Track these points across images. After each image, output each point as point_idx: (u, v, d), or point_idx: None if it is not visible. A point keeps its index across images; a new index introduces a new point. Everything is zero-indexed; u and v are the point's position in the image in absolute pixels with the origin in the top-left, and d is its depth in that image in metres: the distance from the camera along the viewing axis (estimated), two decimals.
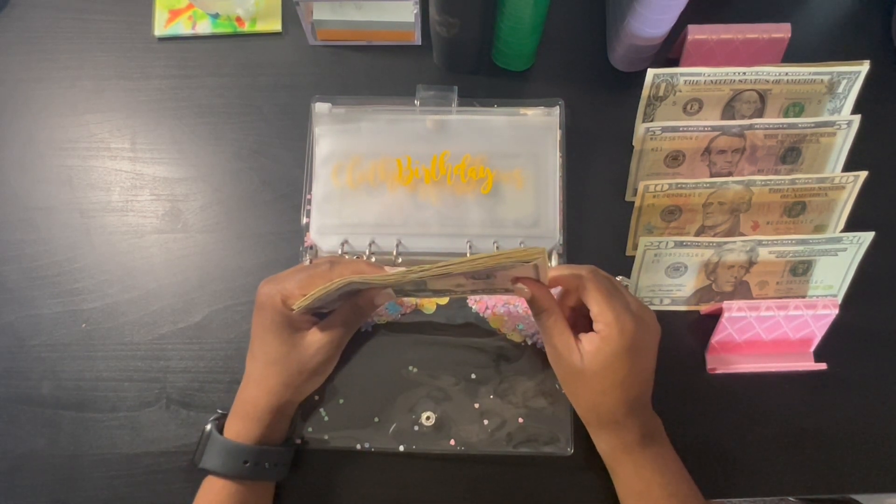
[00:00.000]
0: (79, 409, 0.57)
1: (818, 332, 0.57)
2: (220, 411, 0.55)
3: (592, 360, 0.48)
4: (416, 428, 0.56)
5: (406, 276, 0.45)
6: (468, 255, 0.57)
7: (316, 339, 0.52)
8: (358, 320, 0.55)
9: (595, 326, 0.48)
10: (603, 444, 0.51)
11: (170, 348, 0.58)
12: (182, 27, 0.64)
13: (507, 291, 0.51)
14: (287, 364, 0.51)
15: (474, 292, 0.55)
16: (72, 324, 0.59)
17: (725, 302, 0.56)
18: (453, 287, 0.53)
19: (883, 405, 0.58)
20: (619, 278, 0.51)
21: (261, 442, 0.51)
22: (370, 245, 0.58)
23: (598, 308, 0.48)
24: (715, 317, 0.57)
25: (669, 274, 0.58)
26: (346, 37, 0.64)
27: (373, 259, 0.58)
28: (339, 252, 0.58)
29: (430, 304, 0.58)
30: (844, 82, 0.58)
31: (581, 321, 0.51)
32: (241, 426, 0.51)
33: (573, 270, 0.49)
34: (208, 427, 0.52)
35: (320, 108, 0.60)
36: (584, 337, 0.49)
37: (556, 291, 0.52)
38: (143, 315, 0.59)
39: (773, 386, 0.58)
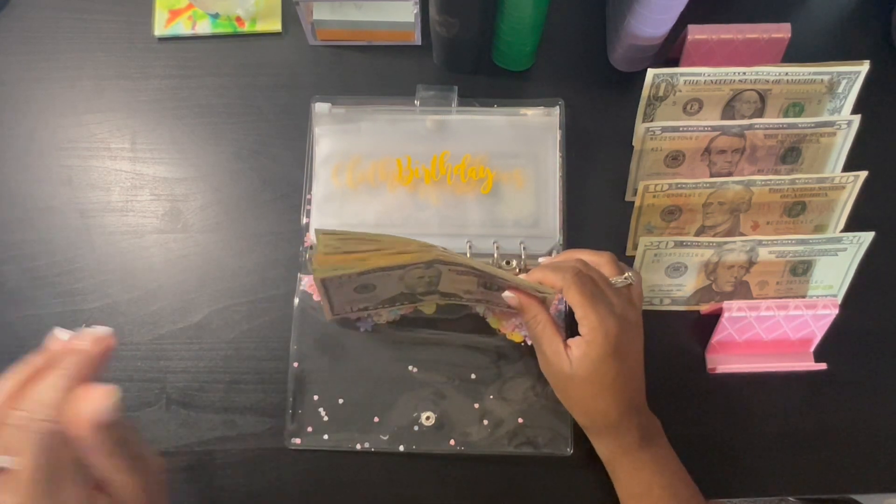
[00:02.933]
0: None
1: (818, 332, 0.57)
2: None
3: (580, 365, 0.48)
4: (416, 428, 0.56)
5: (432, 253, 0.46)
6: (468, 255, 0.57)
7: None
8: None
9: (580, 330, 0.48)
10: (602, 448, 0.51)
11: (170, 348, 0.58)
12: (182, 27, 0.64)
13: (507, 308, 0.52)
14: None
15: (478, 302, 0.56)
16: (72, 324, 0.59)
17: (725, 302, 0.56)
18: (461, 292, 0.53)
19: (883, 405, 0.58)
20: (628, 273, 0.50)
21: None
22: None
23: (581, 312, 0.47)
24: (715, 317, 0.57)
25: (669, 274, 0.58)
26: (346, 37, 0.64)
27: None
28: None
29: (429, 304, 0.58)
30: (844, 82, 0.58)
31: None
32: None
33: (556, 273, 0.49)
34: None
35: (320, 108, 0.60)
36: (572, 342, 0.48)
37: None
38: (143, 315, 0.59)
39: (773, 386, 0.58)
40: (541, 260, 0.56)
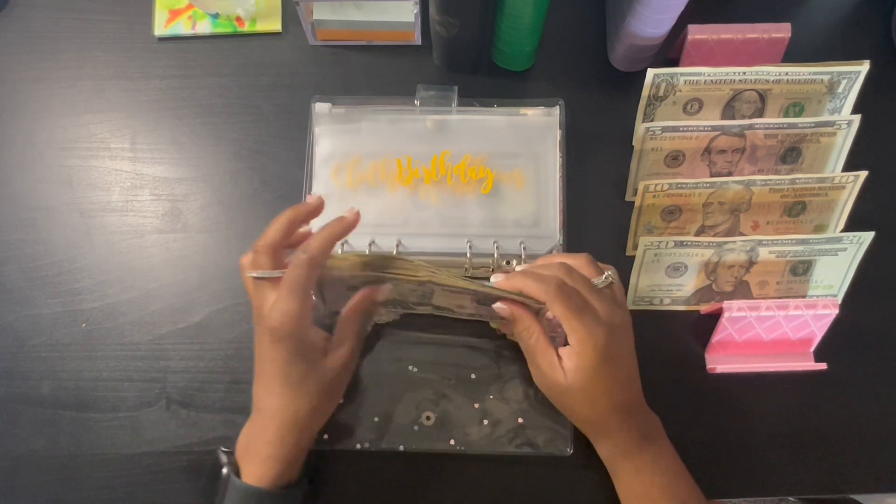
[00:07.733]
0: (79, 409, 0.57)
1: (818, 332, 0.57)
2: (224, 449, 0.51)
3: (573, 376, 0.48)
4: (416, 428, 0.56)
5: (420, 271, 0.46)
6: (468, 255, 0.57)
7: (337, 356, 0.49)
8: (364, 326, 0.53)
9: (569, 341, 0.48)
10: (602, 450, 0.51)
11: (170, 348, 0.58)
12: (182, 27, 0.64)
13: (501, 321, 0.52)
14: (310, 388, 0.48)
15: (471, 316, 0.55)
16: (72, 324, 0.59)
17: (725, 302, 0.56)
18: (455, 306, 0.53)
19: (883, 405, 0.58)
20: (607, 273, 0.50)
21: (282, 482, 0.48)
22: (370, 245, 0.58)
23: (568, 326, 0.47)
24: (715, 317, 0.57)
25: (669, 274, 0.58)
26: (346, 37, 0.64)
27: None
28: (339, 252, 0.58)
29: None
30: (844, 82, 0.58)
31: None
32: (263, 470, 0.47)
33: (538, 284, 0.48)
34: (225, 471, 0.48)
35: (320, 108, 0.60)
36: (564, 353, 0.48)
37: None
38: (143, 315, 0.59)
39: (773, 386, 0.58)
40: (517, 267, 0.54)
